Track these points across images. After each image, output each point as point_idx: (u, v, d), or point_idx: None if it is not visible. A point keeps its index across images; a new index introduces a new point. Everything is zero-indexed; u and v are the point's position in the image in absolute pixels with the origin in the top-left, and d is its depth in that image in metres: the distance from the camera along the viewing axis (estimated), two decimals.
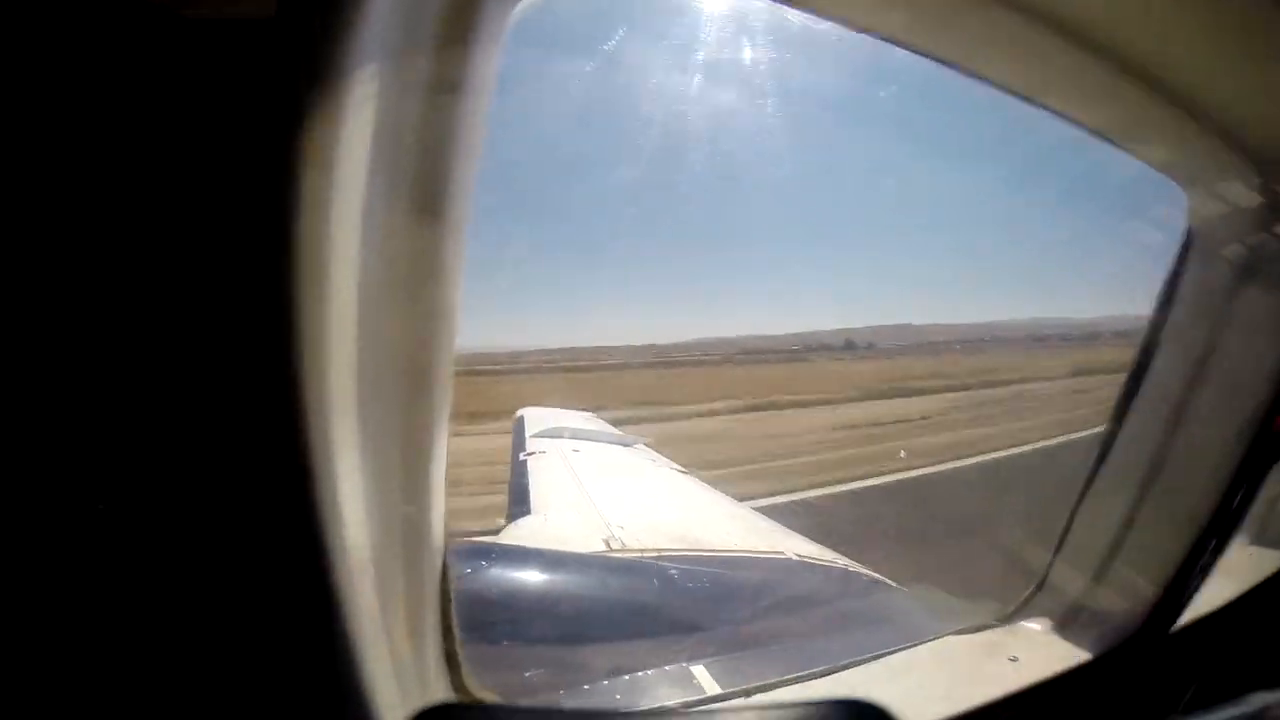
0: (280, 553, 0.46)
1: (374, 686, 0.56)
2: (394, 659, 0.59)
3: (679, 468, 3.03)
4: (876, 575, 1.76)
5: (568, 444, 3.00)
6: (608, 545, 1.85)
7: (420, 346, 0.48)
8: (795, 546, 2.00)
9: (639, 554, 1.80)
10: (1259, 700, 0.81)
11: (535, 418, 3.74)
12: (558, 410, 4.23)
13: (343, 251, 0.39)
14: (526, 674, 1.07)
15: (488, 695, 0.77)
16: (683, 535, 2.02)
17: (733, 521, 2.34)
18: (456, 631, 0.71)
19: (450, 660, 0.72)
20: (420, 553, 0.60)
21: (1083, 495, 1.07)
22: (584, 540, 1.89)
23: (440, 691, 0.71)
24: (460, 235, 0.46)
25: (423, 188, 0.43)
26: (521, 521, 2.13)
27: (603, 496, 2.28)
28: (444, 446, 0.57)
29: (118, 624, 0.43)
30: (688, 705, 1.00)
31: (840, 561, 1.91)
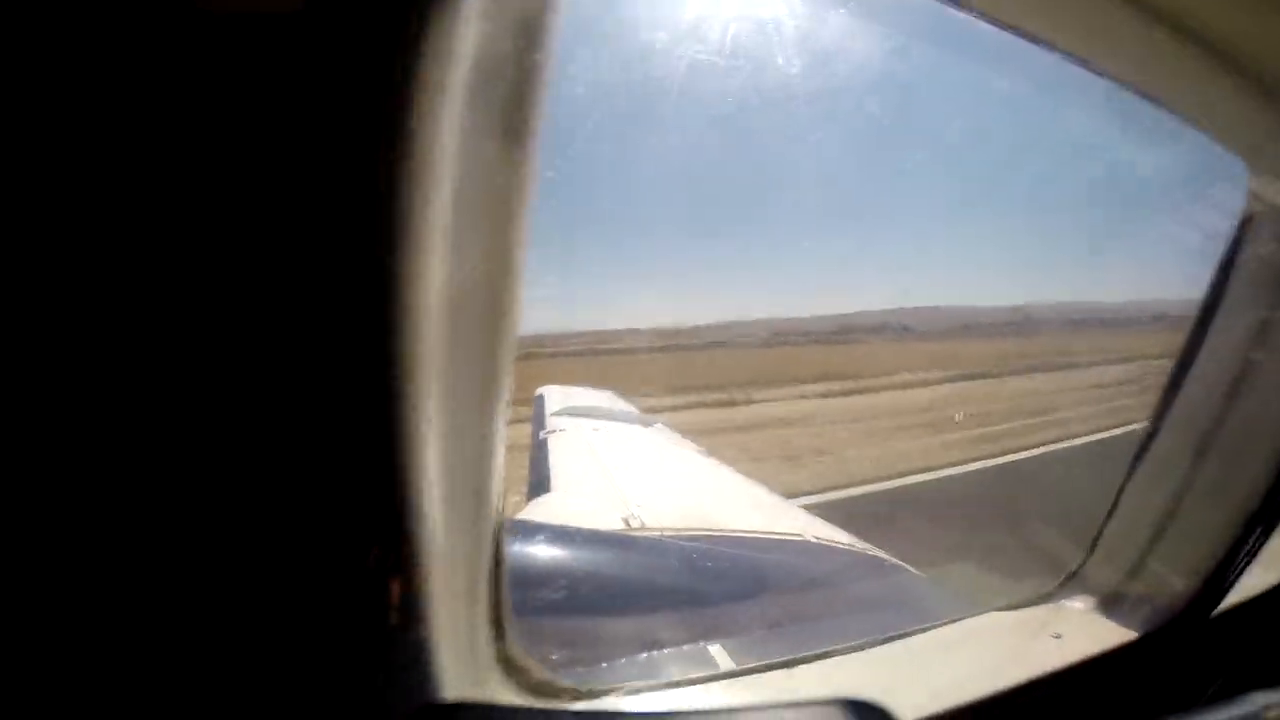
0: (361, 520, 0.45)
1: (433, 653, 0.56)
2: (450, 628, 0.59)
3: (698, 448, 3.03)
4: (897, 560, 1.75)
5: (587, 422, 3.01)
6: (627, 523, 1.85)
7: (495, 300, 0.46)
8: (813, 529, 2.00)
9: (658, 532, 1.80)
10: (1259, 700, 0.80)
11: (555, 396, 3.75)
12: (578, 389, 4.23)
13: (439, 194, 0.38)
14: (541, 648, 1.06)
15: (532, 665, 0.77)
16: (702, 515, 2.02)
17: (751, 503, 2.34)
18: (506, 601, 0.71)
19: (498, 629, 0.71)
20: (480, 522, 0.59)
21: (1130, 474, 1.06)
22: (603, 518, 1.89)
23: (488, 661, 0.71)
24: (536, 165, 0.44)
25: (510, 109, 0.41)
26: (541, 498, 2.14)
27: (622, 475, 2.28)
28: (506, 410, 0.56)
29: (200, 580, 0.43)
30: (706, 678, 1.00)
31: (859, 545, 1.91)
